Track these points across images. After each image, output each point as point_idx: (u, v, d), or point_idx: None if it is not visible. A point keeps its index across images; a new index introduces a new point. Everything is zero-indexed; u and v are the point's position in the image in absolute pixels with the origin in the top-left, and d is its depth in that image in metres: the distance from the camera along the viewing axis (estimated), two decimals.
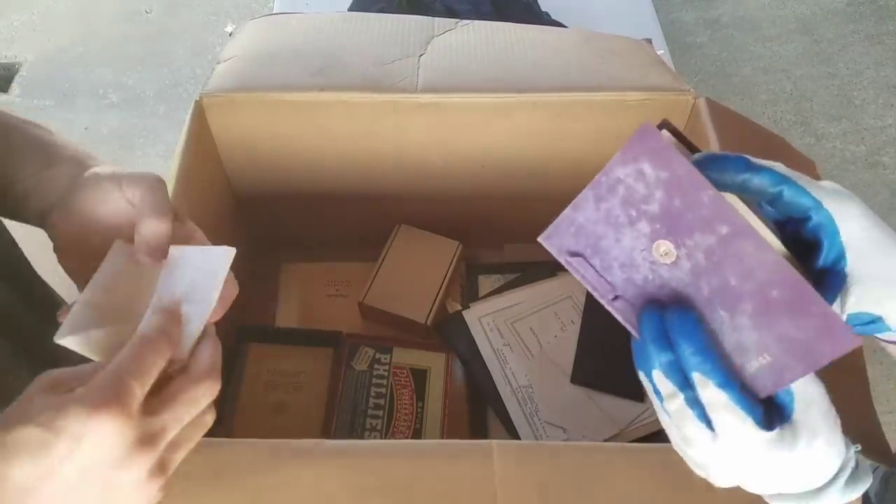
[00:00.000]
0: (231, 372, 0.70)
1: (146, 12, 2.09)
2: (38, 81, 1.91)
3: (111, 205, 0.41)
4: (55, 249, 0.43)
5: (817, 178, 0.63)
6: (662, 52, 1.08)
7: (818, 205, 0.34)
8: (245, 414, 0.68)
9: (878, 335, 0.37)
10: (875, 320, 0.35)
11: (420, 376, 0.71)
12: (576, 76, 0.68)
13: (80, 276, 0.42)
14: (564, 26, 1.06)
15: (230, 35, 0.75)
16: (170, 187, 0.61)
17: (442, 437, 0.67)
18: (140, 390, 0.32)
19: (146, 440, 0.32)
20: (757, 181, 0.33)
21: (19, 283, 0.53)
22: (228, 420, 0.68)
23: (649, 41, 0.77)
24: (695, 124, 0.67)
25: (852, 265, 0.33)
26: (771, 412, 0.32)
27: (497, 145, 0.71)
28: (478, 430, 0.70)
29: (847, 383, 0.52)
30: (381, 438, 0.67)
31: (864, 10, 2.17)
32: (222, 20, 1.98)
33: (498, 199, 0.78)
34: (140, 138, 1.79)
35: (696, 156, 0.34)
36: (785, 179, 0.34)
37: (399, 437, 0.67)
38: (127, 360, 0.32)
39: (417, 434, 0.67)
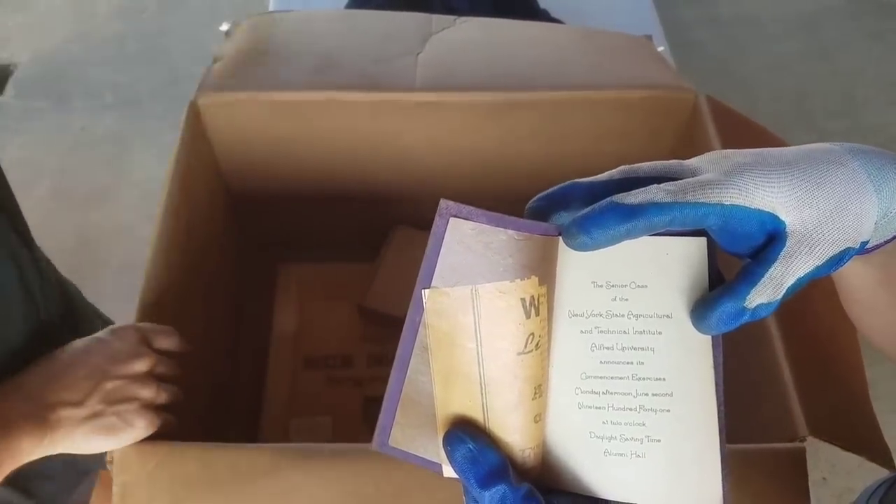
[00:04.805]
0: None
1: (141, 12, 2.08)
2: (33, 82, 1.90)
3: None
4: None
5: None
6: (662, 48, 1.07)
7: (718, 206, 0.27)
8: None
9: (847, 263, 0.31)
10: (844, 254, 0.29)
11: None
12: (576, 74, 0.68)
13: None
14: (563, 23, 1.05)
15: (226, 34, 0.74)
16: (166, 188, 0.60)
17: None
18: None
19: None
20: (643, 223, 0.27)
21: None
22: None
23: (649, 38, 0.77)
24: (696, 122, 0.66)
25: (792, 226, 0.28)
26: None
27: (496, 144, 0.70)
28: None
29: (845, 384, 0.52)
30: None
31: (866, 7, 2.16)
32: (218, 19, 1.97)
33: (498, 199, 0.77)
34: (136, 139, 1.78)
35: (568, 221, 0.28)
36: (666, 207, 0.27)
37: None
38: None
39: None
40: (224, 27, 0.73)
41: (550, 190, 0.31)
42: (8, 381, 0.46)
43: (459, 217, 0.29)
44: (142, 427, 0.47)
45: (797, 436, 0.46)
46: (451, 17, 0.73)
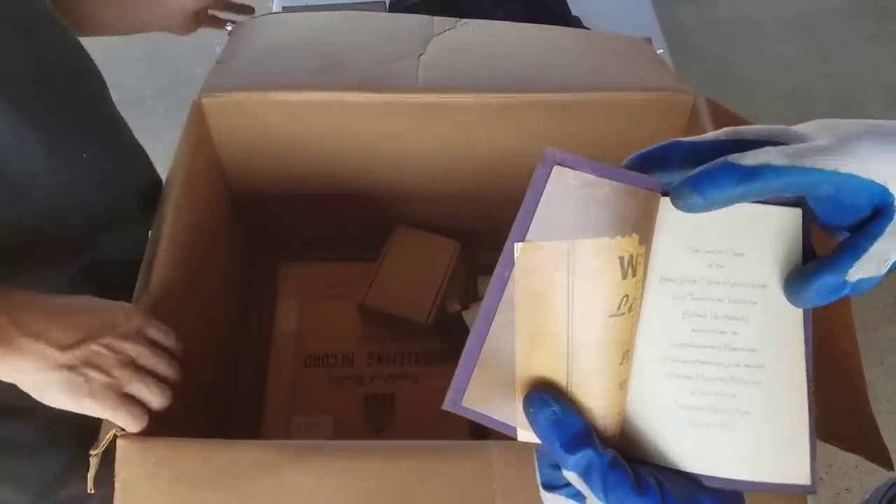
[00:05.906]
0: None
1: None
2: None
3: None
4: None
5: None
6: (662, 51, 1.08)
7: (833, 174, 0.26)
8: None
9: None
10: None
11: None
12: (576, 76, 0.68)
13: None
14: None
15: (229, 34, 0.75)
16: (168, 188, 0.61)
17: None
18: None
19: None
20: (759, 186, 0.26)
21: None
22: None
23: (649, 40, 0.77)
24: (695, 125, 0.67)
25: None
26: None
27: (497, 145, 0.70)
28: (477, 431, 0.69)
29: (845, 384, 0.52)
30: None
31: (865, 10, 2.16)
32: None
33: (498, 199, 0.77)
34: (139, 138, 1.78)
35: (687, 177, 0.27)
36: (783, 171, 0.26)
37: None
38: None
39: None
40: (227, 27, 0.74)
41: (649, 148, 0.30)
42: (18, 292, 0.47)
43: (564, 165, 0.27)
44: (104, 402, 0.45)
45: None
46: (453, 19, 0.73)
